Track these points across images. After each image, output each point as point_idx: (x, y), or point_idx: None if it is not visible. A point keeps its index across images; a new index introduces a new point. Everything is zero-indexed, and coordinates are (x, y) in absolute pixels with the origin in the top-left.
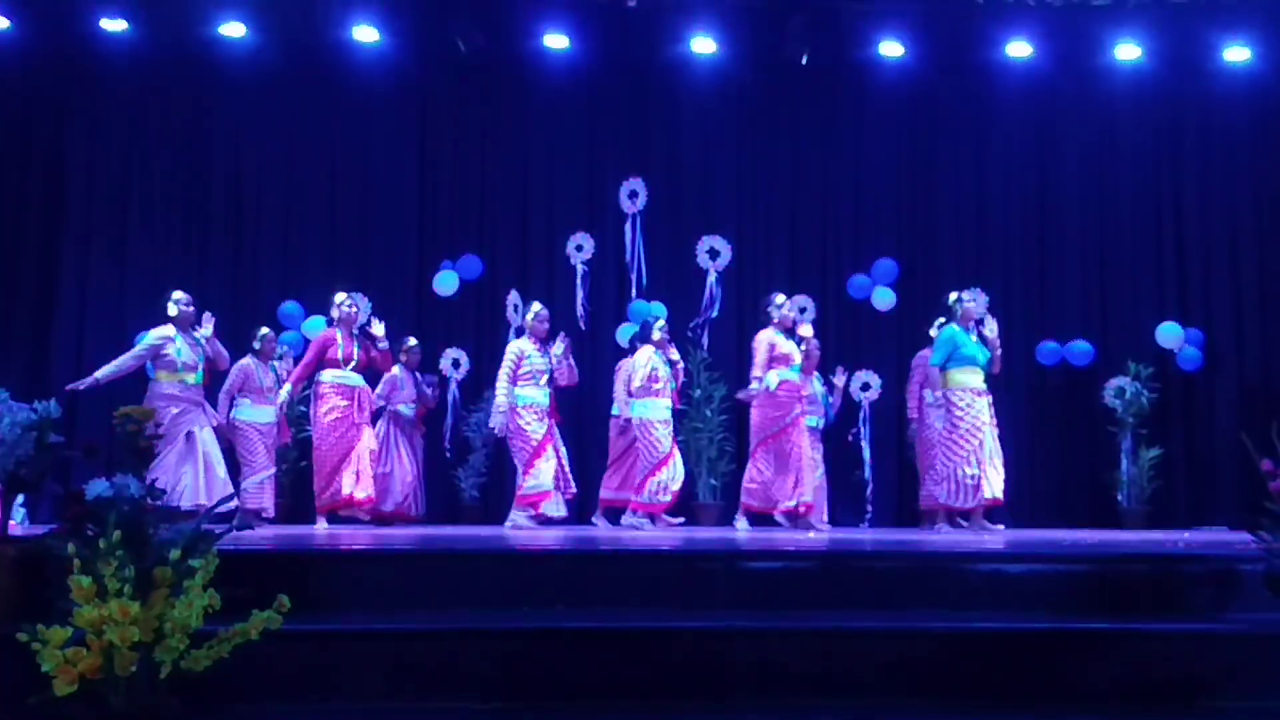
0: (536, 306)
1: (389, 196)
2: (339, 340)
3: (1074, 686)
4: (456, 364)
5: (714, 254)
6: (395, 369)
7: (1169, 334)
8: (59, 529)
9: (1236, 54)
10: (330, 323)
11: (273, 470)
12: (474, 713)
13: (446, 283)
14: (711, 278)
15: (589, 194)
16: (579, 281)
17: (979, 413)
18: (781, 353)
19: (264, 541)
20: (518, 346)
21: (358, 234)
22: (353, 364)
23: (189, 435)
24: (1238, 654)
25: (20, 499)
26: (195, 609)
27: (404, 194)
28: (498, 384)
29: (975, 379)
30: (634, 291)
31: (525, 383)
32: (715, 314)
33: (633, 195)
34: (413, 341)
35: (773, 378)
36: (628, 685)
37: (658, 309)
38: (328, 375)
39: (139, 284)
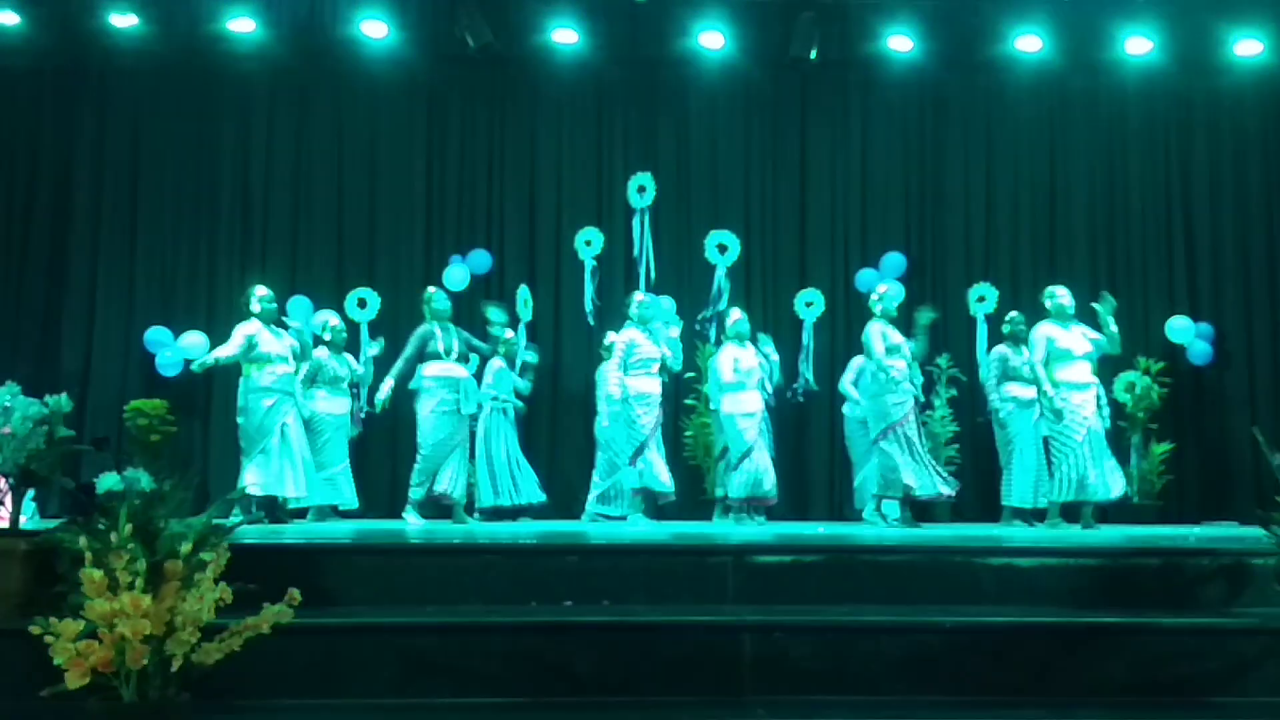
0: (641, 295)
1: (397, 191)
2: (438, 333)
3: (1085, 680)
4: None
5: (723, 249)
6: (498, 361)
7: (1179, 329)
8: (70, 522)
9: (1247, 47)
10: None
11: (345, 463)
12: (483, 707)
13: (456, 277)
14: (720, 272)
15: (597, 189)
16: (588, 276)
17: (1079, 407)
18: (894, 343)
19: (275, 535)
20: (628, 335)
21: (365, 229)
22: (454, 355)
23: (283, 428)
24: (1249, 648)
25: (31, 493)
26: (206, 602)
27: (412, 189)
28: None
29: (1075, 374)
30: (643, 286)
31: (636, 373)
32: (724, 308)
33: (641, 190)
34: (510, 334)
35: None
36: (636, 679)
37: (667, 304)
38: (431, 369)
39: (148, 278)
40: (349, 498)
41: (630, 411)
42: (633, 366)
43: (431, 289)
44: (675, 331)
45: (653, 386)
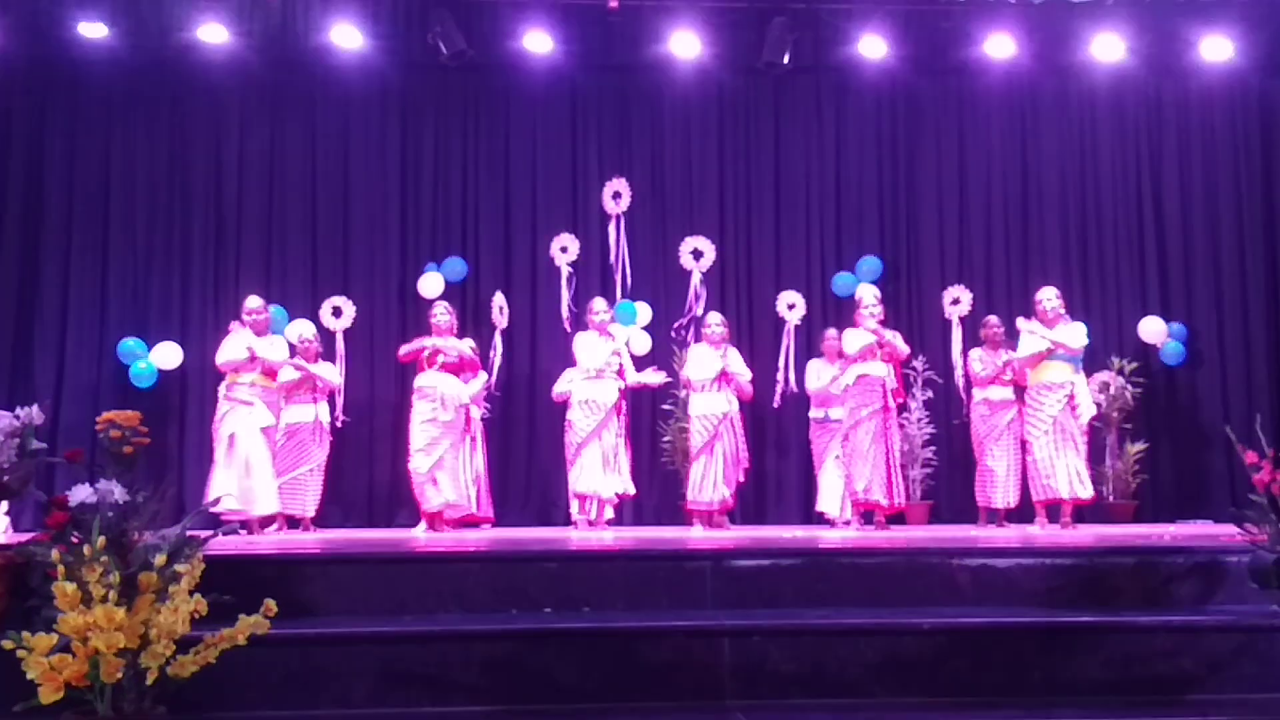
0: (596, 304)
1: (371, 200)
2: (428, 345)
3: (1062, 680)
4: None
5: (698, 254)
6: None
7: (1152, 328)
8: (42, 535)
9: (1215, 49)
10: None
11: (297, 471)
12: (463, 716)
13: (431, 285)
14: (696, 278)
15: (572, 195)
16: (564, 283)
17: (1045, 407)
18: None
19: (250, 546)
20: (576, 342)
21: (340, 237)
22: (437, 366)
23: (231, 438)
24: (1224, 645)
25: (3, 506)
26: (181, 614)
27: (386, 197)
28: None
29: (1048, 374)
30: (619, 292)
31: (585, 377)
32: (700, 314)
33: (616, 196)
34: (469, 342)
35: (850, 374)
36: (616, 686)
37: (637, 309)
38: (418, 380)
39: (121, 290)
40: (289, 507)
41: (571, 415)
42: (582, 372)
43: (440, 304)
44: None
45: (595, 392)
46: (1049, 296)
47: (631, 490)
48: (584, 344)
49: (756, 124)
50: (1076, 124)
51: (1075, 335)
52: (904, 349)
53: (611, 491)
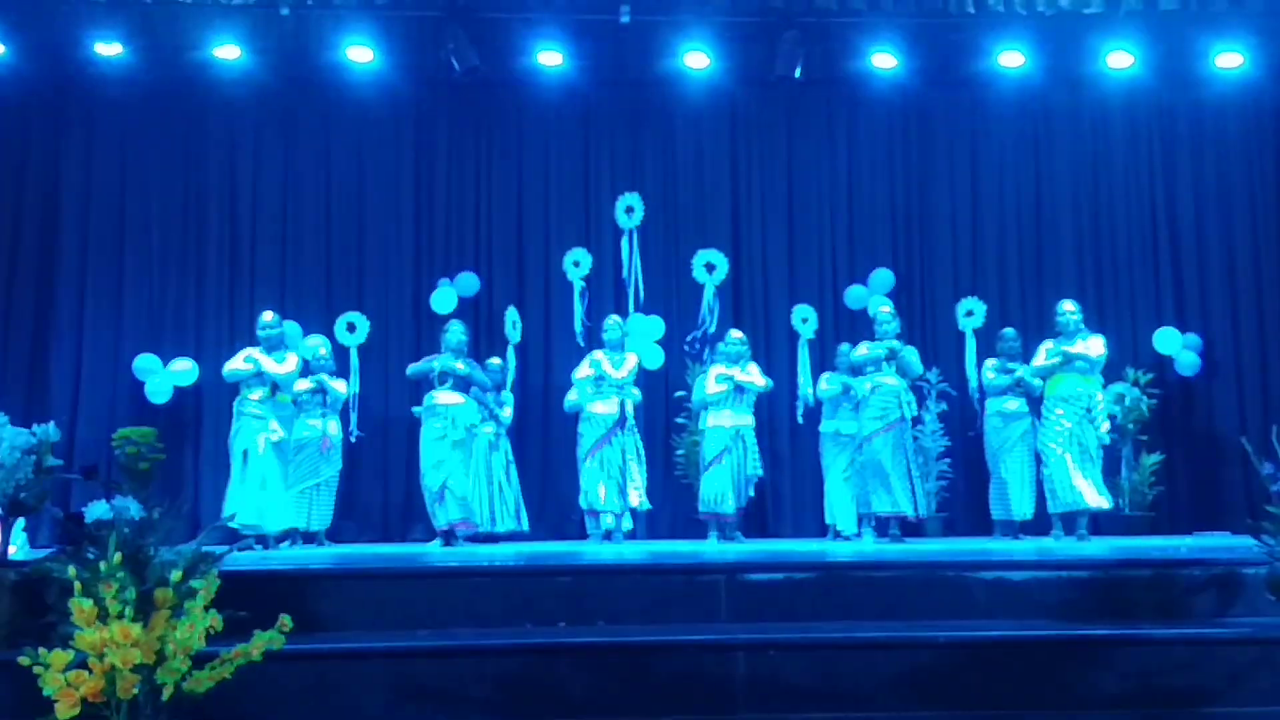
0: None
1: (385, 215)
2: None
3: (1078, 693)
4: None
5: (711, 268)
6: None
7: (1167, 340)
8: (59, 552)
9: (1228, 59)
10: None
11: (305, 485)
12: None
13: (444, 300)
14: (709, 292)
15: (585, 210)
16: (577, 297)
17: (1062, 418)
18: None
19: (265, 562)
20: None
21: (354, 253)
22: (449, 384)
23: (245, 454)
24: (1241, 658)
25: (21, 523)
26: (197, 630)
27: (400, 212)
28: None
29: (1064, 387)
30: (632, 307)
31: (593, 393)
32: (713, 328)
33: (629, 210)
34: (495, 361)
35: (865, 385)
36: (630, 700)
37: (654, 323)
38: (429, 398)
39: (136, 305)
40: (297, 520)
41: (579, 429)
42: (590, 388)
43: (454, 322)
44: (632, 358)
45: (598, 407)
46: (1069, 310)
47: (646, 505)
48: (586, 362)
49: (768, 138)
50: (1089, 135)
51: (1094, 346)
52: (918, 367)
53: (619, 506)
